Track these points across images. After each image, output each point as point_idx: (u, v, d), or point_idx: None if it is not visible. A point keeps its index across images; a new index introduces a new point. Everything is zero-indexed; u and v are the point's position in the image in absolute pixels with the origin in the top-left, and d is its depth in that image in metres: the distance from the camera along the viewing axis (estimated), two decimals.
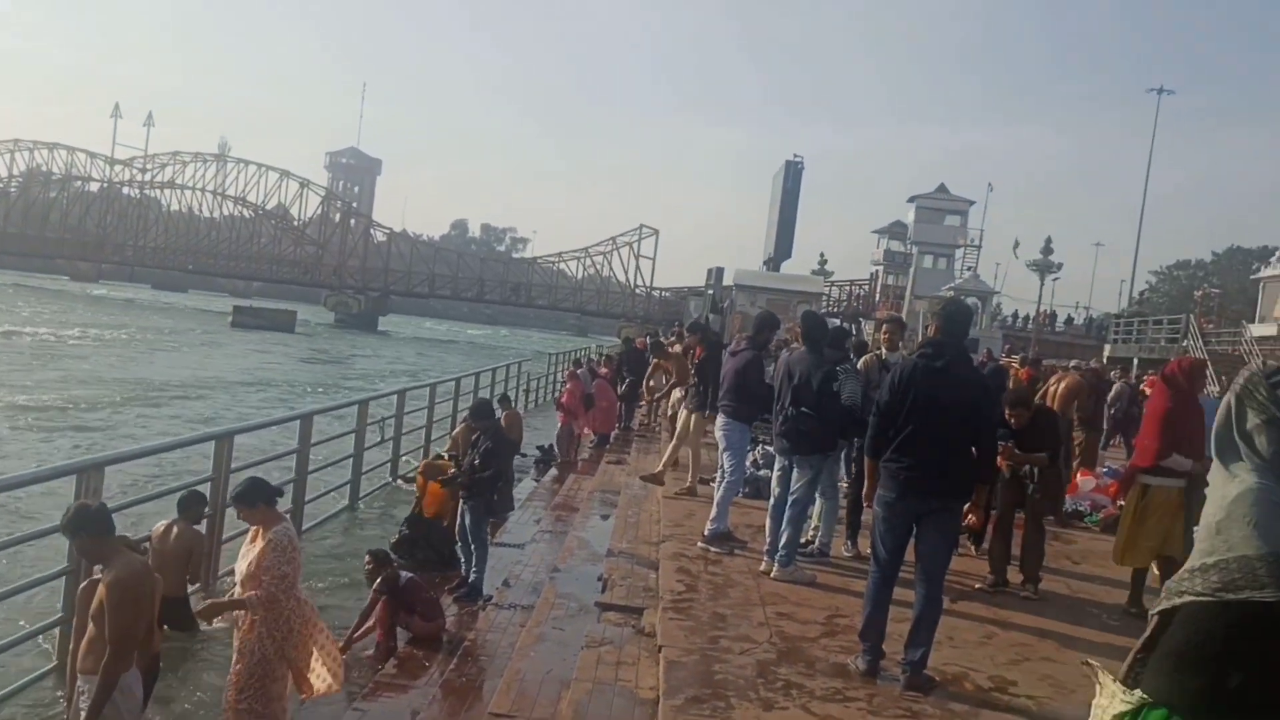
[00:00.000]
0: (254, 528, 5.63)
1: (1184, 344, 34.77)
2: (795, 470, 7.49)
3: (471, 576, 8.68)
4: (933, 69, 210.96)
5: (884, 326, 9.25)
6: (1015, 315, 57.49)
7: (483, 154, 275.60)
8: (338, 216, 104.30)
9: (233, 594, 5.68)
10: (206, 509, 8.63)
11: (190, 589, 8.15)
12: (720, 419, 8.55)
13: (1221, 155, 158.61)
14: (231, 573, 6.21)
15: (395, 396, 15.30)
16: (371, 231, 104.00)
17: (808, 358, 7.72)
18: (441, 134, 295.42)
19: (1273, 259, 32.74)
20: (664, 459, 11.46)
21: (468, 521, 8.73)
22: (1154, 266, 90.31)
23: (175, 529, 7.99)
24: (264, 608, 5.43)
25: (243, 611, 5.53)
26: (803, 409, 7.45)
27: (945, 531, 5.50)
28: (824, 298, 52.32)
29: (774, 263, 48.59)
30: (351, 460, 13.08)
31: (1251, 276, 35.33)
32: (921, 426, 5.37)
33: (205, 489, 8.78)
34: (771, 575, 7.33)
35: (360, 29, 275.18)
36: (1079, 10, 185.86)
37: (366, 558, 8.08)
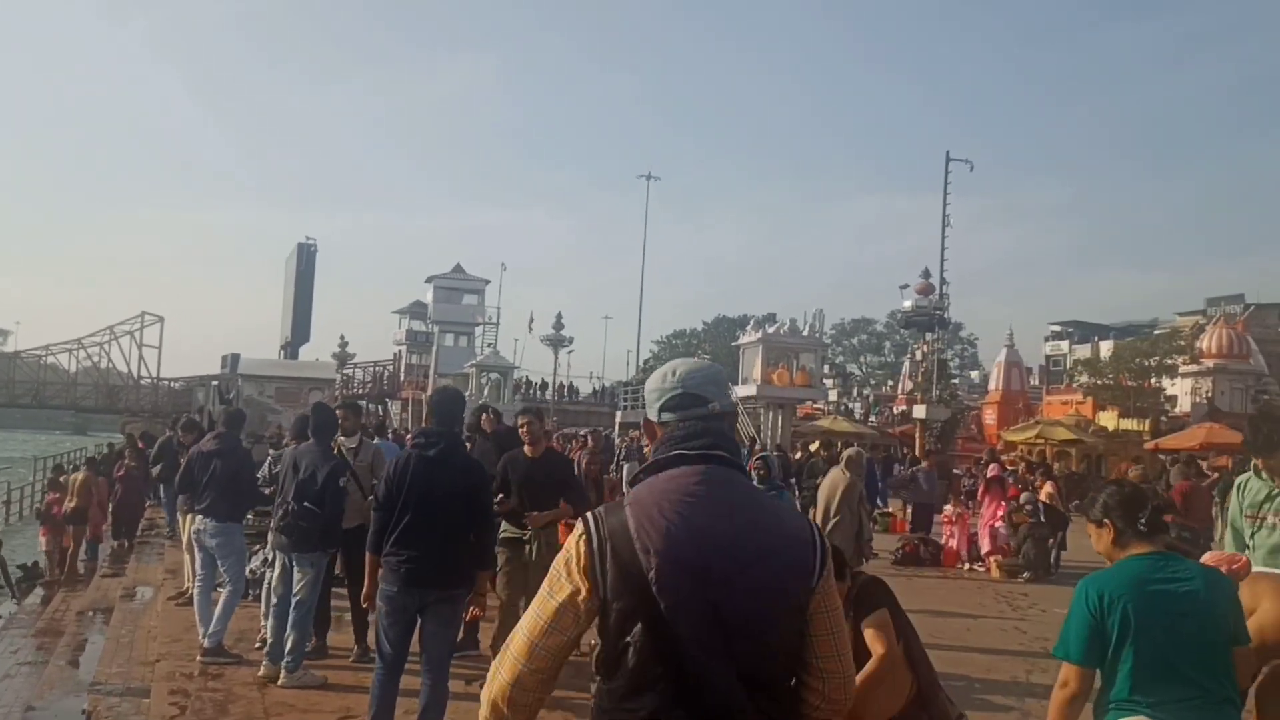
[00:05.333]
0: None
1: None
2: (296, 569, 7.15)
3: None
4: (433, 154, 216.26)
5: (339, 411, 8.65)
6: (535, 386, 59.85)
7: None
8: None
9: None
10: None
11: None
12: (210, 522, 7.91)
13: (706, 233, 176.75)
14: None
15: None
16: None
17: (314, 449, 7.45)
18: None
19: (749, 327, 36.98)
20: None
21: None
22: (656, 336, 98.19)
23: None
24: None
25: None
26: (305, 503, 7.15)
27: (448, 620, 5.47)
28: (342, 381, 51.13)
29: (291, 348, 47.03)
30: None
31: (733, 343, 39.51)
32: (419, 517, 5.33)
33: None
34: (279, 683, 6.92)
35: None
36: (565, 100, 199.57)
37: None
